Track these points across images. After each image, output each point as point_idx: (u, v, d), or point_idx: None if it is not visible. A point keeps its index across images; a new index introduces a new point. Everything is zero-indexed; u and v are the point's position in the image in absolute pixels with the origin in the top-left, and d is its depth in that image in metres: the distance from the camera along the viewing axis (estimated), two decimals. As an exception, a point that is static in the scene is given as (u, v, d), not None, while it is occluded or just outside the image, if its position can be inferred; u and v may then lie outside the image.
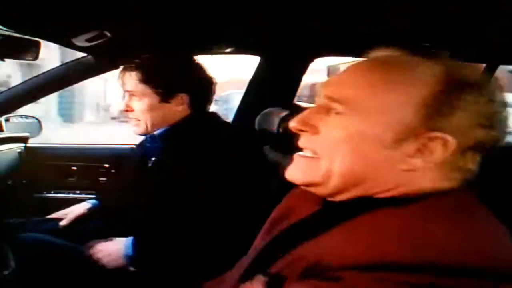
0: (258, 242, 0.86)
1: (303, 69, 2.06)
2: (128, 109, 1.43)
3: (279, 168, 1.48)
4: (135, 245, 1.28)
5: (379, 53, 0.75)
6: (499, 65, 2.18)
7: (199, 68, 1.47)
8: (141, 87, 1.39)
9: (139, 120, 1.42)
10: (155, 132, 1.44)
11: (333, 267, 0.60)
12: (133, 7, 1.15)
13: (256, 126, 1.64)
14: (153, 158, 1.47)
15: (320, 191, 0.74)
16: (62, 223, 1.50)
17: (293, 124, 0.75)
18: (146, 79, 1.39)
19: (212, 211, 1.23)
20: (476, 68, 0.69)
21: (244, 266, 0.82)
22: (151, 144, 1.48)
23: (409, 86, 0.67)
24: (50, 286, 1.18)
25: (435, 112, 0.65)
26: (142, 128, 1.43)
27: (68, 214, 1.53)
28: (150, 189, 1.40)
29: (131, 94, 1.42)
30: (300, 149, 0.77)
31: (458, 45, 1.62)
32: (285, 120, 1.41)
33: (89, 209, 1.56)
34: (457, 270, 0.54)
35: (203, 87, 1.47)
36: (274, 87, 2.01)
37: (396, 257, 0.56)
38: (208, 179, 1.28)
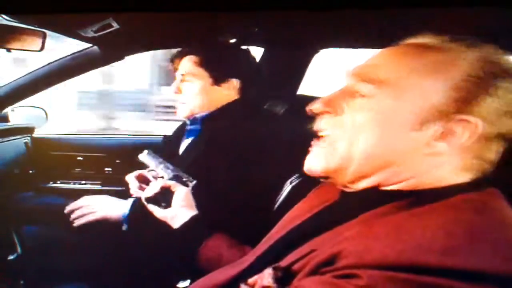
0: (273, 233, 0.85)
1: (307, 61, 2.05)
2: (178, 92, 1.46)
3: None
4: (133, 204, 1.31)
5: (417, 39, 0.74)
6: None
7: (250, 56, 1.52)
8: (197, 70, 1.43)
9: (188, 102, 1.44)
10: (197, 115, 1.45)
11: (350, 264, 0.58)
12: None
13: (262, 116, 1.64)
14: (189, 139, 1.49)
15: (340, 179, 0.72)
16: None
17: (317, 105, 0.74)
18: (203, 62, 1.43)
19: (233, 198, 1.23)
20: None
21: (255, 253, 0.81)
22: (191, 126, 1.50)
23: (441, 69, 0.67)
24: (53, 271, 1.20)
25: (465, 96, 0.65)
26: (187, 111, 1.45)
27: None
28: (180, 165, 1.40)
29: (185, 76, 1.45)
30: (317, 136, 0.75)
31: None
32: (289, 111, 1.41)
33: None
34: (483, 276, 0.52)
35: (252, 75, 1.51)
36: (278, 79, 2.01)
37: (420, 260, 0.54)
38: (237, 166, 1.29)
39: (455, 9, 1.14)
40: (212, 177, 1.30)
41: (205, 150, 1.38)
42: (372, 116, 0.68)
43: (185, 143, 1.50)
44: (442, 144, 0.66)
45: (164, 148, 1.63)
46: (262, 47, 2.01)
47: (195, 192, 1.20)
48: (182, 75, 1.45)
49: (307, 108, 0.76)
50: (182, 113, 1.47)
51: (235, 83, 1.44)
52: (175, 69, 1.48)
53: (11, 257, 1.08)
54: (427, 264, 0.53)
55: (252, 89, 1.49)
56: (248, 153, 1.31)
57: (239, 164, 1.29)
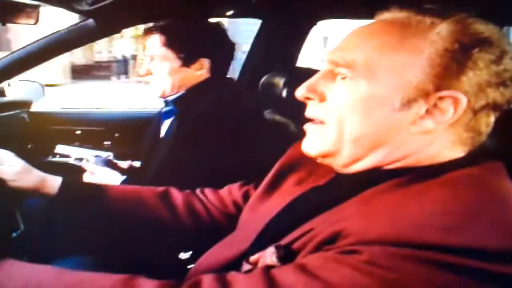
0: (268, 210, 0.83)
1: (305, 32, 2.04)
2: (148, 73, 1.44)
3: (284, 131, 1.50)
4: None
5: (384, 15, 0.72)
6: (505, 25, 2.15)
7: (222, 33, 1.47)
8: (163, 51, 1.40)
9: (157, 83, 1.43)
10: (169, 98, 1.45)
11: (351, 242, 0.58)
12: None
13: (260, 89, 1.64)
14: (166, 123, 1.49)
15: (336, 161, 0.72)
16: None
17: (300, 92, 0.73)
18: (169, 43, 1.40)
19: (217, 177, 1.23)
20: (487, 24, 0.66)
21: (253, 232, 0.80)
22: (166, 107, 1.49)
23: (415, 45, 0.65)
24: (57, 247, 1.21)
25: (444, 71, 0.63)
26: (160, 91, 1.44)
27: None
28: (162, 153, 1.42)
29: (152, 57, 1.42)
30: (309, 119, 0.75)
31: (464, 5, 1.60)
32: (288, 83, 1.41)
33: None
34: (481, 252, 0.53)
35: (224, 52, 1.48)
36: (276, 51, 2.00)
37: (419, 237, 0.54)
38: (216, 146, 1.29)
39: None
40: (191, 158, 1.31)
41: (182, 132, 1.37)
42: (353, 99, 0.67)
43: (164, 125, 1.51)
44: (428, 122, 0.65)
45: (150, 127, 1.65)
46: (260, 18, 2.00)
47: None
48: (150, 56, 1.43)
49: (290, 89, 0.75)
50: (155, 94, 1.46)
51: (204, 62, 1.42)
52: (143, 47, 1.46)
53: (14, 234, 1.08)
54: (426, 241, 0.54)
55: (224, 65, 1.48)
56: (227, 132, 1.30)
57: (218, 145, 1.29)
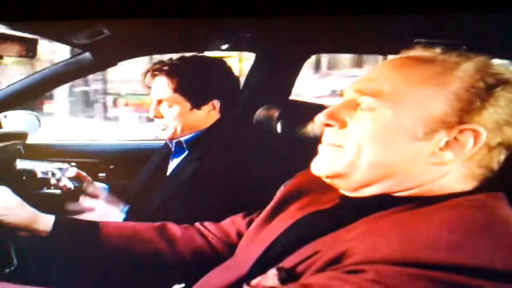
0: (267, 235, 0.85)
1: (299, 65, 2.06)
2: (157, 116, 1.42)
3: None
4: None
5: (410, 52, 0.76)
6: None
7: (228, 71, 1.47)
8: (173, 96, 1.39)
9: (167, 125, 1.42)
10: (182, 139, 1.43)
11: (357, 261, 0.60)
12: (131, 4, 1.16)
13: (254, 122, 1.64)
14: (175, 161, 1.47)
15: (345, 184, 0.74)
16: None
17: (320, 118, 0.76)
18: (178, 88, 1.38)
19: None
20: (506, 66, 0.72)
21: (253, 256, 0.81)
22: (176, 147, 1.47)
23: (442, 80, 0.69)
24: (51, 283, 1.19)
25: (468, 106, 0.67)
26: (170, 134, 1.43)
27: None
28: (169, 190, 1.41)
29: (161, 100, 1.41)
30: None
31: (453, 39, 1.63)
32: (283, 116, 1.41)
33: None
34: (487, 272, 0.54)
35: (234, 91, 1.49)
36: (270, 84, 2.01)
37: (426, 256, 0.56)
38: (228, 191, 1.28)
39: (445, 16, 1.16)
40: (203, 200, 1.30)
41: (194, 174, 1.36)
42: (375, 128, 0.70)
43: (172, 164, 1.49)
44: (448, 153, 0.68)
45: (152, 162, 1.62)
46: (254, 52, 2.02)
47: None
48: (158, 100, 1.42)
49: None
50: (165, 136, 1.45)
51: (215, 104, 1.42)
52: (147, 87, 1.44)
53: (7, 271, 1.06)
54: (433, 260, 0.55)
55: (233, 104, 1.48)
56: (240, 172, 1.30)
57: (231, 185, 1.28)
